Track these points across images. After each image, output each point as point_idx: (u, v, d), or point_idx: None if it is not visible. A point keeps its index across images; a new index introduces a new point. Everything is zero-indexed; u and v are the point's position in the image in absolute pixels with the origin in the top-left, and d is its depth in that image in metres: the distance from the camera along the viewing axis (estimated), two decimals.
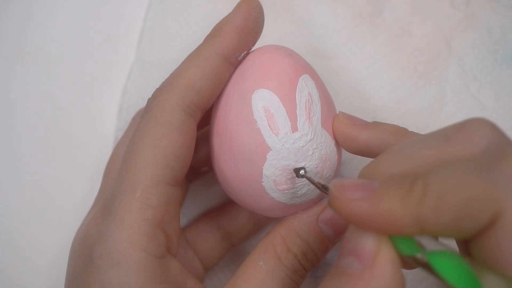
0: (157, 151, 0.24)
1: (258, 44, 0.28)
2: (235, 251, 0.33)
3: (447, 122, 0.34)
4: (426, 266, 0.18)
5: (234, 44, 0.26)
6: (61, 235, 0.33)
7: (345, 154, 0.30)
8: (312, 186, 0.25)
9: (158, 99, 0.25)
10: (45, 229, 0.35)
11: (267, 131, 0.25)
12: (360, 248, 0.18)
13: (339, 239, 0.27)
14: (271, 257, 0.25)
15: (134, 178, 0.24)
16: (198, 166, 0.32)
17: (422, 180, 0.18)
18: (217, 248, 0.31)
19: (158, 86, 0.26)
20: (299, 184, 0.25)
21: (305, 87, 0.25)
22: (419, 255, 0.18)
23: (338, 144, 0.27)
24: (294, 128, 0.25)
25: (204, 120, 0.29)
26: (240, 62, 0.27)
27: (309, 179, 0.25)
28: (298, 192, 0.26)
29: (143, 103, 0.26)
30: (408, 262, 0.19)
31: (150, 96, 0.26)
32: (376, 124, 0.26)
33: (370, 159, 0.26)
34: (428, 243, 0.18)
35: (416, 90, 0.35)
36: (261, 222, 0.32)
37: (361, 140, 0.26)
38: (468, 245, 0.19)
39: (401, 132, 0.25)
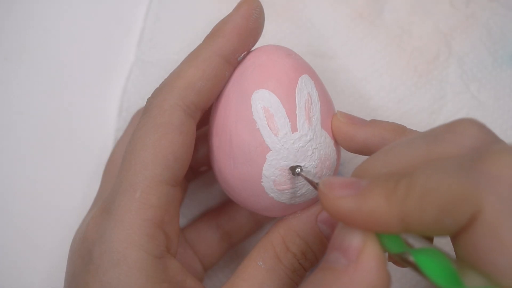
0: (157, 151, 0.24)
1: (258, 44, 0.28)
2: (235, 250, 0.33)
3: (447, 122, 0.34)
4: (412, 264, 0.18)
5: (234, 45, 0.26)
6: (61, 235, 0.33)
7: (344, 154, 0.30)
8: (311, 186, 0.25)
9: (157, 99, 0.25)
10: (45, 229, 0.35)
11: (266, 131, 0.25)
12: (346, 244, 0.19)
13: None
14: (270, 257, 0.25)
15: (133, 178, 0.24)
16: (197, 166, 0.32)
17: (406, 179, 0.18)
18: (217, 247, 0.31)
19: (158, 86, 0.26)
20: (299, 184, 0.25)
21: (305, 87, 0.25)
22: (405, 253, 0.18)
23: (337, 143, 0.27)
24: (294, 129, 0.25)
25: (203, 120, 0.29)
26: (240, 62, 0.27)
27: (304, 177, 0.25)
28: (298, 192, 0.26)
29: (143, 103, 0.26)
30: (397, 260, 0.19)
31: (150, 96, 0.26)
32: (374, 122, 0.26)
33: None
34: (415, 241, 0.19)
35: (416, 90, 0.35)
36: (261, 222, 0.32)
37: (359, 138, 0.26)
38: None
39: (400, 130, 0.25)
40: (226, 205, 0.32)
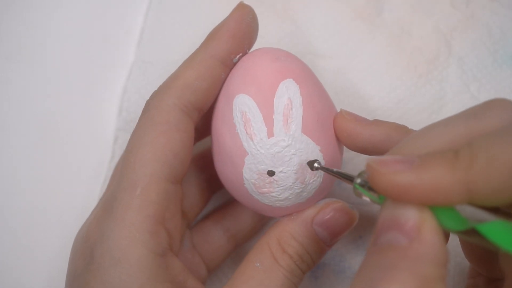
0: (156, 149, 0.24)
1: (259, 44, 0.28)
2: (235, 250, 0.33)
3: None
4: (474, 237, 0.18)
5: (228, 47, 0.27)
6: (61, 235, 0.33)
7: (344, 154, 0.30)
8: (295, 191, 0.25)
9: (155, 100, 0.26)
10: (45, 229, 0.35)
11: (244, 135, 0.25)
12: (402, 222, 0.18)
13: (335, 241, 0.27)
14: (267, 257, 0.26)
15: (133, 176, 0.24)
16: None
17: (467, 148, 0.18)
18: (223, 250, 0.31)
19: (158, 86, 0.27)
20: (279, 188, 0.25)
21: (285, 92, 0.25)
22: (467, 230, 0.18)
23: (340, 143, 0.27)
24: (270, 134, 0.25)
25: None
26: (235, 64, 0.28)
27: (325, 170, 0.25)
28: (280, 196, 0.26)
29: (143, 103, 0.27)
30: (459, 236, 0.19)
31: (149, 96, 0.27)
32: (378, 121, 0.26)
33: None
34: (472, 213, 0.18)
35: (416, 90, 0.35)
36: (265, 220, 0.32)
37: (365, 135, 0.26)
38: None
39: (403, 129, 0.25)
40: (231, 205, 0.32)
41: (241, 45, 0.27)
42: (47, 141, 0.36)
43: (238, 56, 0.27)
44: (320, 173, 0.26)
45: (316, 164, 0.25)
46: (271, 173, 0.25)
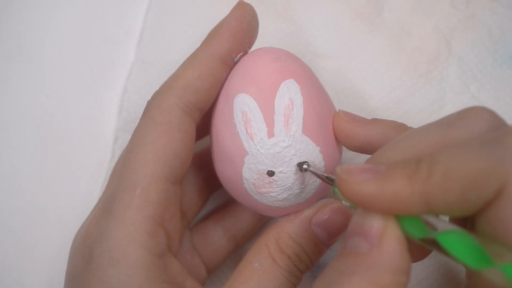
0: (156, 149, 0.24)
1: (259, 44, 0.28)
2: (234, 251, 0.33)
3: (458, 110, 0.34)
4: (435, 246, 0.18)
5: (229, 46, 0.27)
6: (61, 235, 0.33)
7: (344, 154, 0.30)
8: (294, 192, 0.25)
9: (156, 100, 0.26)
10: (45, 229, 0.35)
11: (244, 135, 0.25)
12: (367, 229, 0.19)
13: (333, 241, 0.27)
14: (265, 258, 0.26)
15: (133, 176, 0.24)
16: None
17: (427, 159, 0.18)
18: (223, 250, 0.31)
19: (158, 86, 0.27)
20: (278, 188, 0.25)
21: (286, 93, 0.25)
22: (427, 237, 0.18)
23: (339, 144, 0.27)
24: (271, 134, 0.25)
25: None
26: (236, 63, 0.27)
27: (313, 172, 0.25)
28: (279, 197, 0.26)
29: (143, 103, 0.27)
30: (415, 249, 0.19)
31: (150, 96, 0.27)
32: (376, 120, 0.26)
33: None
34: (435, 223, 0.19)
35: (416, 90, 0.35)
36: (265, 219, 0.32)
37: (363, 135, 0.26)
38: (471, 221, 0.20)
39: (401, 128, 0.25)
40: (230, 205, 0.32)
41: (242, 43, 0.27)
42: (47, 141, 0.36)
43: (239, 55, 0.27)
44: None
45: (305, 166, 0.25)
46: (270, 173, 0.25)
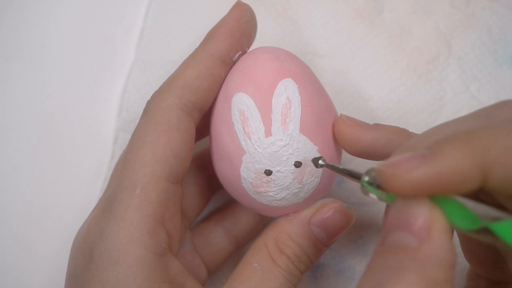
0: (156, 148, 0.24)
1: (259, 44, 0.28)
2: (235, 252, 0.33)
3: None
4: (486, 237, 0.18)
5: (228, 45, 0.27)
6: (61, 235, 0.33)
7: (344, 154, 0.30)
8: (292, 191, 0.25)
9: (155, 100, 0.26)
10: (45, 229, 0.35)
11: (241, 134, 0.25)
12: (412, 222, 0.18)
13: (332, 241, 0.27)
14: (264, 258, 0.26)
15: (133, 175, 0.24)
16: None
17: (483, 130, 0.18)
18: (224, 251, 0.31)
19: (158, 86, 0.27)
20: (276, 188, 0.25)
21: (284, 92, 0.25)
22: (480, 229, 0.18)
23: (338, 147, 0.27)
24: (268, 133, 0.25)
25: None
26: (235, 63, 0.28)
27: (332, 167, 0.24)
28: (277, 196, 0.26)
29: (143, 103, 0.27)
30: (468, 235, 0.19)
31: (150, 96, 0.27)
32: (379, 125, 0.26)
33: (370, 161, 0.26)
34: (478, 209, 0.18)
35: (416, 90, 0.35)
36: (266, 219, 0.32)
37: (366, 140, 0.25)
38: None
39: (404, 133, 0.25)
40: (231, 205, 0.32)
41: (240, 43, 0.27)
42: (47, 141, 0.36)
43: (237, 55, 0.27)
44: (318, 173, 0.26)
45: (321, 161, 0.25)
46: (268, 173, 0.25)
